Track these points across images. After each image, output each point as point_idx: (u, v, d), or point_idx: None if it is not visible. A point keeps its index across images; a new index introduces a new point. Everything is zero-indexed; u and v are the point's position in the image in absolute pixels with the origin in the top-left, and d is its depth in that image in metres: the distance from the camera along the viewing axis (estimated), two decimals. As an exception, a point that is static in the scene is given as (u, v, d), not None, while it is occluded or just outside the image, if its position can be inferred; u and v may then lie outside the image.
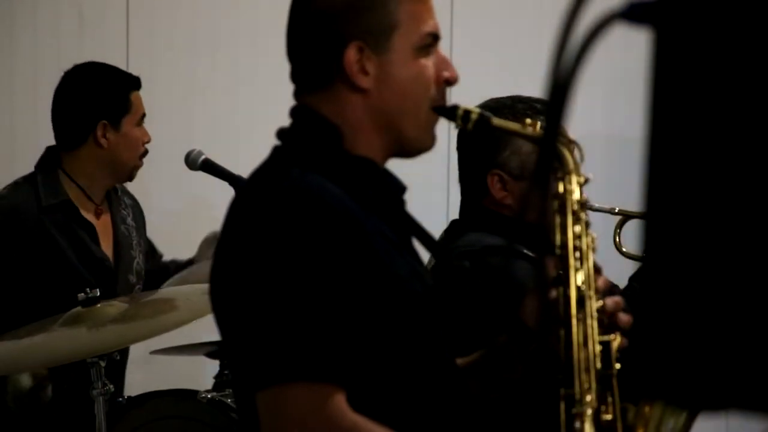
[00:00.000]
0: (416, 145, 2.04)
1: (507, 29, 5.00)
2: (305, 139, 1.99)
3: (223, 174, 3.50)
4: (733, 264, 0.99)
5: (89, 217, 3.65)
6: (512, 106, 2.72)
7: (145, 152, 3.71)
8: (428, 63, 2.00)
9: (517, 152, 2.73)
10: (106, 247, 3.69)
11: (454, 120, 2.03)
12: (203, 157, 3.53)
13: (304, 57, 2.02)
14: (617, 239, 3.32)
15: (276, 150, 2.02)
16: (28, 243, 3.53)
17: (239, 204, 1.95)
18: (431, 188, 4.28)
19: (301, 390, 1.81)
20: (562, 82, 1.12)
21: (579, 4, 1.09)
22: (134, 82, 3.71)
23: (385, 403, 1.91)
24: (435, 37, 2.02)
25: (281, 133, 2.04)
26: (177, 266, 3.97)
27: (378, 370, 1.90)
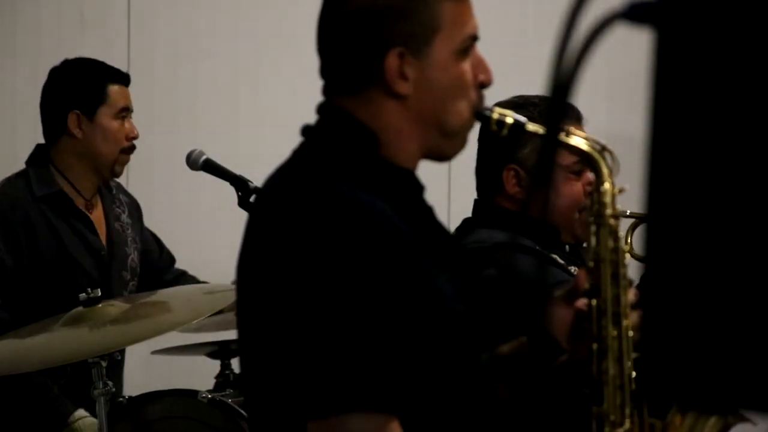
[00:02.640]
0: (452, 151, 1.97)
1: (508, 29, 5.00)
2: (342, 144, 1.91)
3: (224, 174, 3.49)
4: (736, 265, 0.99)
5: (81, 209, 3.66)
6: (539, 104, 2.71)
7: (131, 148, 3.70)
8: (467, 66, 1.92)
9: (537, 150, 2.73)
10: (102, 239, 3.69)
11: (488, 125, 1.97)
12: (204, 157, 3.53)
13: (339, 57, 1.91)
14: (629, 242, 3.30)
15: (305, 150, 1.94)
16: (26, 232, 3.53)
17: (278, 215, 1.85)
18: (432, 188, 4.28)
19: (359, 420, 1.76)
20: (563, 82, 1.11)
21: (580, 4, 1.09)
22: (114, 75, 3.71)
23: (429, 426, 1.86)
24: (474, 39, 1.94)
25: (308, 131, 1.95)
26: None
27: (424, 393, 1.85)
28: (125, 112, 3.70)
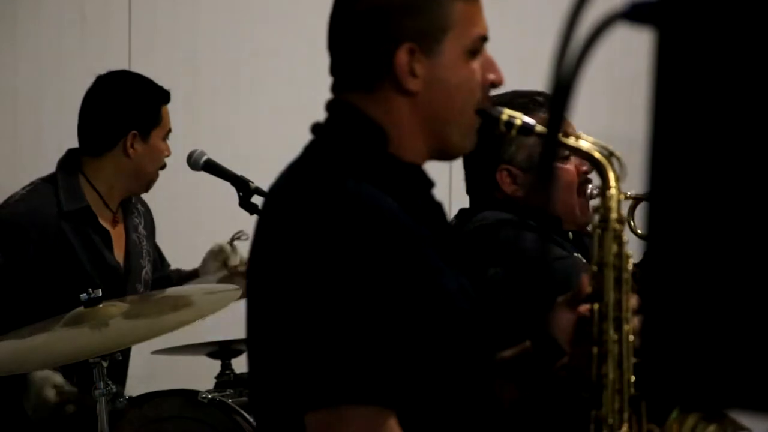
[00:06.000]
0: (459, 149, 1.99)
1: (509, 29, 5.00)
2: (351, 140, 1.92)
3: (225, 174, 3.50)
4: (736, 264, 0.99)
5: (105, 224, 3.66)
6: (511, 101, 2.69)
7: (164, 165, 3.72)
8: (477, 66, 1.94)
9: (523, 145, 2.72)
10: (118, 255, 3.69)
11: (497, 126, 1.98)
12: (205, 157, 3.53)
13: (349, 54, 1.93)
14: (632, 223, 3.29)
15: (315, 147, 1.95)
16: (45, 247, 3.52)
17: (284, 208, 1.87)
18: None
19: (356, 413, 1.77)
20: (564, 83, 1.12)
21: (581, 4, 1.09)
22: (165, 96, 3.72)
23: (428, 424, 1.87)
24: (484, 39, 1.95)
25: (318, 129, 1.96)
26: (180, 277, 3.96)
27: (424, 390, 1.86)
28: (170, 132, 3.73)
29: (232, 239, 3.89)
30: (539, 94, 2.75)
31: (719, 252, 0.99)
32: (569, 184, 2.79)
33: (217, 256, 3.87)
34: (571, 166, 2.79)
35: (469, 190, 2.84)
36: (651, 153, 1.02)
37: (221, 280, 3.80)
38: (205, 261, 3.92)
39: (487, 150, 2.74)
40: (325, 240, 1.79)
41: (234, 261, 3.84)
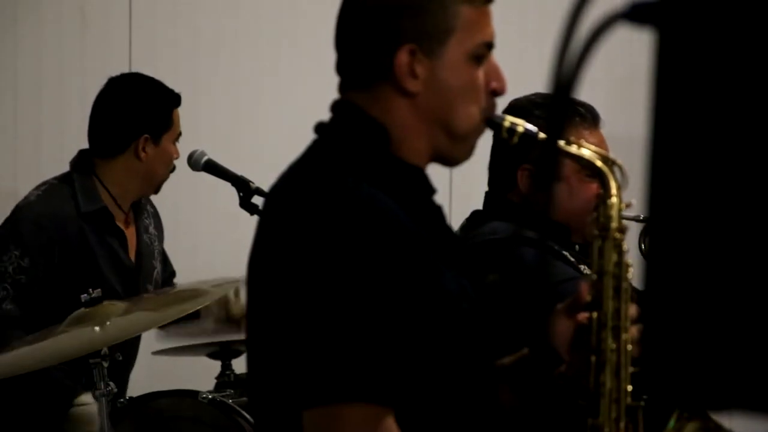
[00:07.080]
0: (459, 155, 1.98)
1: (510, 30, 5.00)
2: (352, 139, 1.92)
3: (225, 175, 3.50)
4: (737, 265, 0.99)
5: (120, 225, 3.68)
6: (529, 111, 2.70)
7: (174, 167, 3.74)
8: (480, 72, 1.93)
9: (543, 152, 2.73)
10: (131, 255, 3.71)
11: (499, 132, 1.99)
12: (206, 157, 3.54)
13: (353, 52, 1.94)
14: (642, 246, 3.28)
15: (317, 146, 1.95)
16: (69, 248, 3.53)
17: (284, 208, 1.87)
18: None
19: (354, 411, 1.77)
20: (564, 83, 1.12)
21: (581, 4, 1.09)
22: (177, 100, 3.73)
23: (426, 424, 1.87)
24: (489, 46, 1.95)
25: (321, 128, 1.96)
26: None
27: (423, 390, 1.86)
28: (180, 135, 3.75)
29: (237, 289, 3.88)
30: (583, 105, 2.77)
31: (721, 251, 0.99)
32: (590, 202, 2.80)
33: (221, 302, 3.86)
34: (594, 185, 2.80)
35: (489, 187, 2.85)
36: (651, 154, 1.02)
37: (220, 325, 3.79)
38: (211, 306, 3.91)
39: (515, 147, 2.76)
40: (324, 239, 1.79)
41: (235, 310, 3.83)
